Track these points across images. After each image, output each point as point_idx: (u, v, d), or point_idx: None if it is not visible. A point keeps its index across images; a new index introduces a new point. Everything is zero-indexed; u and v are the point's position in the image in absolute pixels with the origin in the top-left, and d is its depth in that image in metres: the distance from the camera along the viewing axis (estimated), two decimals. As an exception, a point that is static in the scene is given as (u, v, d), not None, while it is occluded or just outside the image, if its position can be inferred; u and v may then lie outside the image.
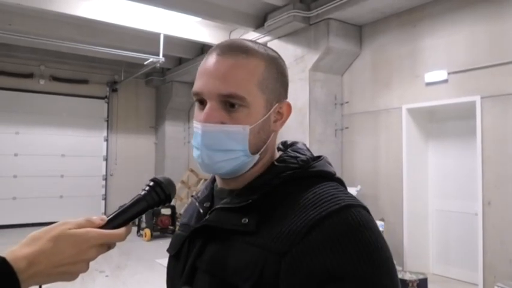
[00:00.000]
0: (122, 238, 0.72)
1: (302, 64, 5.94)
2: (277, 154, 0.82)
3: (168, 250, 0.89)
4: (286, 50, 6.06)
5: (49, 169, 9.11)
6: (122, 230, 0.72)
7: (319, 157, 0.81)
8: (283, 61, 0.82)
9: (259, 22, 6.44)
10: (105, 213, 9.45)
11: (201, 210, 0.83)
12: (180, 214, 7.23)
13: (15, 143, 8.83)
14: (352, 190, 5.42)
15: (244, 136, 0.74)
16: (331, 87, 6.12)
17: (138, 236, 7.86)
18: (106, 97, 9.95)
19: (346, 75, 6.21)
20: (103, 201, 9.78)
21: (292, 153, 0.80)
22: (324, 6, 5.53)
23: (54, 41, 7.13)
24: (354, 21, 5.80)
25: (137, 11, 6.46)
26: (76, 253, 0.66)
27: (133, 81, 10.05)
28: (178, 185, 8.27)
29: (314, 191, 0.71)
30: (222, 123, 0.73)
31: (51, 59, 8.94)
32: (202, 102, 0.76)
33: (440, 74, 4.93)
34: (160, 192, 0.77)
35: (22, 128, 8.92)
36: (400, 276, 4.45)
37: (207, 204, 0.84)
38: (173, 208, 7.96)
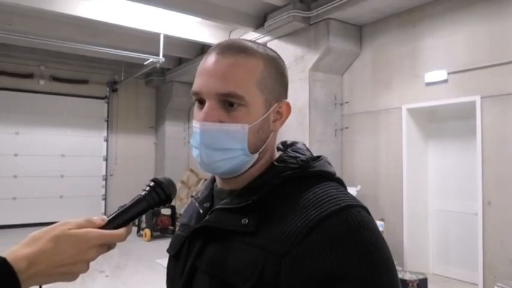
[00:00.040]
0: (122, 238, 0.72)
1: (302, 64, 5.94)
2: (277, 154, 0.82)
3: (168, 250, 0.89)
4: (286, 50, 6.06)
5: (49, 169, 9.11)
6: (122, 230, 0.72)
7: (318, 157, 0.81)
8: (283, 61, 0.82)
9: (259, 22, 6.44)
10: (105, 214, 9.45)
11: (201, 211, 0.83)
12: (180, 214, 7.23)
13: (15, 143, 8.84)
14: (352, 190, 5.42)
15: (243, 135, 0.74)
16: (331, 87, 6.12)
17: (138, 236, 7.86)
18: (106, 97, 9.95)
19: (346, 75, 6.21)
20: (103, 202, 9.79)
21: (292, 153, 0.80)
22: (324, 6, 5.53)
23: (54, 41, 7.13)
24: (354, 21, 5.80)
25: (137, 11, 6.47)
26: (76, 253, 0.66)
27: (133, 81, 10.05)
28: (178, 185, 8.26)
29: (314, 191, 0.71)
30: (221, 122, 0.73)
31: (51, 59, 8.94)
32: (202, 102, 0.76)
33: (440, 74, 4.93)
34: (161, 192, 0.77)
35: (22, 128, 8.92)
36: (400, 276, 4.45)
37: (206, 205, 0.84)
38: (173, 208, 7.96)
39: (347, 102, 6.15)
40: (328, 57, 5.82)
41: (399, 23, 5.47)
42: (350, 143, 6.09)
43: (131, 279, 5.35)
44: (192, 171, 9.13)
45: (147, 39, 7.60)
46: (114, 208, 8.96)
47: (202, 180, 8.60)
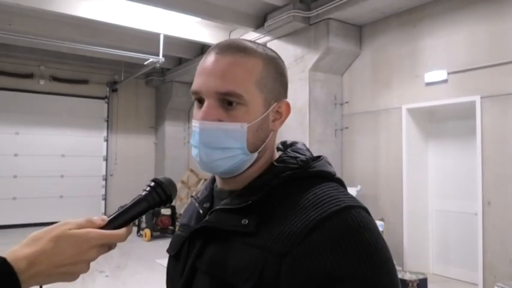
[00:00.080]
0: (123, 238, 0.72)
1: (302, 64, 5.94)
2: (277, 154, 0.82)
3: (167, 250, 0.89)
4: (286, 50, 6.06)
5: (49, 169, 9.11)
6: (122, 230, 0.72)
7: (318, 157, 0.81)
8: (283, 61, 0.82)
9: (259, 22, 6.44)
10: (105, 214, 9.45)
11: (201, 211, 0.83)
12: (180, 214, 7.23)
13: (15, 143, 8.84)
14: (352, 190, 5.42)
15: (242, 134, 0.74)
16: (331, 87, 6.12)
17: (138, 236, 7.86)
18: (106, 97, 9.95)
19: (346, 75, 6.21)
20: (103, 202, 9.79)
21: (292, 154, 0.80)
22: (324, 6, 5.53)
23: (54, 41, 7.13)
24: (354, 21, 5.80)
25: (137, 11, 6.47)
26: (77, 253, 0.66)
27: (133, 81, 10.05)
28: (178, 185, 8.26)
29: (314, 191, 0.71)
30: (220, 121, 0.73)
31: (51, 59, 8.94)
32: (201, 101, 0.76)
33: (440, 74, 4.93)
34: (161, 192, 0.77)
35: (22, 128, 8.92)
36: (400, 276, 4.45)
37: (206, 205, 0.84)
38: (173, 208, 7.97)
39: (347, 102, 6.15)
40: (328, 57, 5.82)
41: (399, 23, 5.47)
42: (350, 143, 6.09)
43: (131, 279, 5.35)
44: (192, 171, 9.13)
45: (147, 39, 7.60)
46: (114, 208, 8.96)
47: (202, 180, 8.60)
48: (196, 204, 0.86)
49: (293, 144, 0.86)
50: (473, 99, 4.60)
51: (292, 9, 5.70)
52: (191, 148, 0.78)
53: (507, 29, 4.36)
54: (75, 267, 0.67)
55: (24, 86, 8.95)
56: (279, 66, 0.80)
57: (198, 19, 6.60)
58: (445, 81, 4.90)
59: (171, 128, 10.09)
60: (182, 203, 8.87)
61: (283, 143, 0.88)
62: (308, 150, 0.83)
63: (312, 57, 5.81)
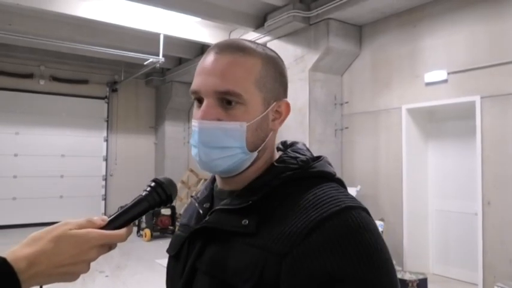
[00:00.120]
0: (123, 239, 0.72)
1: (302, 64, 5.94)
2: (277, 154, 0.82)
3: (167, 250, 0.89)
4: (286, 50, 6.06)
5: (49, 169, 9.12)
6: (123, 230, 0.72)
7: (319, 157, 0.81)
8: (282, 61, 0.82)
9: (259, 22, 6.44)
10: (105, 214, 9.45)
11: (201, 211, 0.83)
12: (180, 214, 7.23)
13: (15, 143, 8.84)
14: (352, 190, 5.42)
15: (242, 133, 0.74)
16: (331, 87, 6.12)
17: (138, 236, 7.86)
18: (106, 97, 9.95)
19: (346, 75, 6.21)
20: (103, 202, 9.79)
21: (292, 154, 0.79)
22: (324, 6, 5.53)
23: (54, 41, 7.13)
24: (354, 21, 5.81)
25: (137, 11, 6.47)
26: (77, 253, 0.66)
27: (133, 82, 10.05)
28: (178, 185, 8.26)
29: (314, 192, 0.71)
30: (219, 120, 0.73)
31: (51, 59, 8.94)
32: (200, 101, 0.76)
33: (440, 74, 4.93)
34: (162, 192, 0.77)
35: (22, 128, 8.92)
36: (400, 276, 4.45)
37: (206, 205, 0.84)
38: (173, 208, 7.97)
39: (347, 102, 6.15)
40: (328, 57, 5.82)
41: (399, 23, 5.47)
42: (350, 143, 6.09)
43: (131, 279, 5.35)
44: (192, 171, 9.13)
45: (146, 39, 7.60)
46: (114, 208, 8.96)
47: (202, 180, 8.60)
48: (196, 204, 0.86)
49: (293, 144, 0.86)
50: (473, 99, 4.60)
51: (292, 9, 5.70)
52: (191, 148, 0.78)
53: (507, 29, 4.36)
54: (76, 268, 0.67)
55: (24, 86, 8.95)
56: (279, 66, 0.80)
57: (198, 19, 6.60)
58: (445, 81, 4.90)
59: (171, 128, 10.09)
60: (182, 203, 8.87)
61: (283, 143, 0.87)
62: (308, 150, 0.83)
63: (312, 57, 5.81)
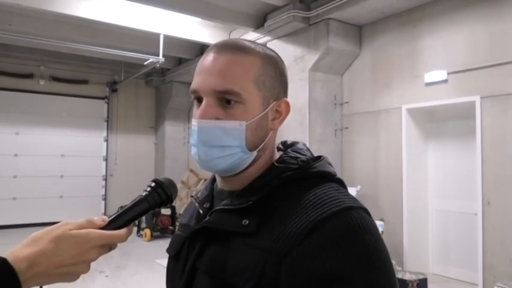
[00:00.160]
0: (123, 239, 0.72)
1: (302, 64, 5.94)
2: (277, 154, 0.82)
3: (167, 250, 0.89)
4: (286, 50, 6.06)
5: (49, 169, 9.11)
6: (123, 231, 0.72)
7: (319, 157, 0.81)
8: (282, 61, 0.82)
9: (259, 22, 6.44)
10: (105, 214, 9.45)
11: (201, 211, 0.83)
12: (180, 214, 7.23)
13: (15, 143, 8.84)
14: (352, 190, 5.42)
15: (241, 132, 0.74)
16: (331, 87, 6.12)
17: (138, 236, 7.86)
18: (106, 97, 9.95)
19: (346, 75, 6.21)
20: (103, 202, 9.79)
21: (292, 154, 0.79)
22: (324, 6, 5.53)
23: (53, 41, 7.13)
24: (354, 21, 5.81)
25: (137, 11, 6.47)
26: (77, 254, 0.66)
27: (133, 82, 10.05)
28: (178, 185, 8.25)
29: (314, 192, 0.71)
30: (218, 119, 0.73)
31: (51, 59, 8.94)
32: (200, 100, 0.76)
33: (440, 74, 4.93)
34: (162, 193, 0.77)
35: (22, 128, 8.92)
36: (399, 276, 4.45)
37: (206, 205, 0.84)
38: (173, 208, 7.97)
39: (347, 103, 6.15)
40: (328, 57, 5.82)
41: (399, 23, 5.47)
42: (350, 143, 6.09)
43: (131, 279, 5.35)
44: (192, 171, 9.13)
45: (146, 39, 7.60)
46: (114, 208, 8.96)
47: (202, 181, 8.60)
48: (197, 204, 0.85)
49: (293, 144, 0.86)
50: (473, 99, 4.60)
51: (292, 9, 5.70)
52: (191, 147, 0.78)
53: (507, 29, 4.36)
54: (76, 268, 0.67)
55: (24, 86, 8.95)
56: (278, 66, 0.80)
57: (198, 19, 6.60)
58: (445, 81, 4.90)
59: (171, 128, 10.09)
60: (182, 203, 8.87)
61: (284, 143, 0.87)
62: (308, 150, 0.83)
63: (312, 57, 5.81)
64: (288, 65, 5.79)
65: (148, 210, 0.76)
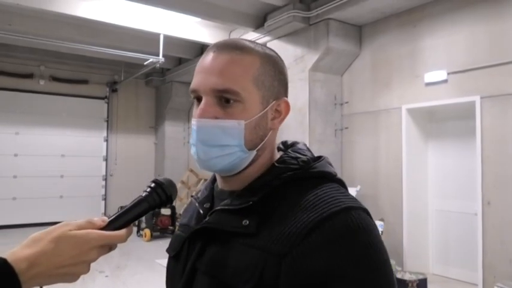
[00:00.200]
0: (123, 239, 0.72)
1: (302, 64, 5.94)
2: (278, 155, 0.82)
3: (167, 250, 0.89)
4: (286, 50, 6.06)
5: (49, 169, 9.11)
6: (123, 231, 0.72)
7: (319, 157, 0.81)
8: (282, 61, 0.82)
9: (259, 22, 6.44)
10: (105, 214, 9.46)
11: (201, 211, 0.83)
12: (180, 214, 7.23)
13: (15, 143, 8.84)
14: (352, 190, 5.42)
15: (240, 131, 0.74)
16: (331, 87, 6.12)
17: (138, 236, 7.86)
18: (106, 97, 9.95)
19: (345, 75, 6.21)
20: (103, 202, 9.79)
21: (293, 154, 0.79)
22: (324, 6, 5.53)
23: (53, 41, 7.13)
24: (354, 21, 5.80)
25: (137, 11, 6.47)
26: (77, 254, 0.66)
27: (133, 82, 10.05)
28: (178, 185, 8.25)
29: (315, 192, 0.71)
30: (217, 118, 0.73)
31: (51, 59, 8.94)
32: (200, 100, 0.76)
33: (440, 74, 4.93)
34: (162, 193, 0.77)
35: (22, 128, 8.92)
36: (399, 276, 4.46)
37: (207, 205, 0.84)
38: (173, 208, 7.97)
39: (347, 103, 6.15)
40: (328, 57, 5.82)
41: (399, 23, 5.47)
42: (350, 143, 6.09)
43: (131, 279, 5.35)
44: (191, 171, 9.13)
45: (146, 39, 7.60)
46: (114, 208, 8.97)
47: (202, 181, 8.60)
48: (197, 204, 0.85)
49: (294, 144, 0.86)
50: (473, 99, 4.60)
51: (292, 9, 5.70)
52: (191, 147, 0.78)
53: (507, 29, 4.36)
54: (76, 268, 0.67)
55: (24, 86, 8.95)
56: (278, 65, 0.80)
57: (198, 19, 6.60)
58: (445, 81, 4.90)
59: (171, 128, 10.09)
60: (182, 203, 8.87)
61: (284, 143, 0.87)
62: (309, 150, 0.83)
63: (312, 58, 5.81)
64: (288, 65, 5.79)
65: (148, 210, 0.76)
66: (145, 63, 7.95)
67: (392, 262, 4.58)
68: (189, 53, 8.45)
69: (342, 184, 0.77)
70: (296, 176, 0.75)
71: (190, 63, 8.63)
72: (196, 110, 0.76)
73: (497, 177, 4.40)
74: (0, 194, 8.61)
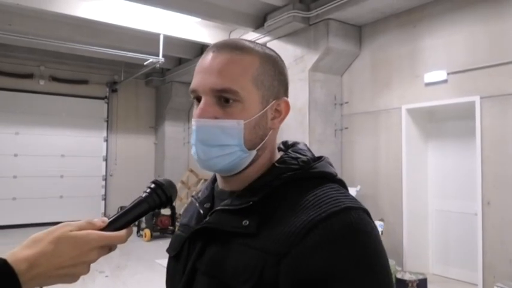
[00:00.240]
0: (123, 240, 0.72)
1: (302, 64, 5.94)
2: (278, 155, 0.82)
3: (167, 250, 0.89)
4: (286, 51, 6.06)
5: (49, 169, 9.11)
6: (123, 232, 0.72)
7: (320, 158, 0.81)
8: (282, 61, 0.82)
9: (259, 22, 6.44)
10: (104, 214, 9.46)
11: (201, 211, 0.83)
12: (180, 214, 7.23)
13: (15, 143, 8.83)
14: (352, 190, 5.42)
15: (239, 131, 0.74)
16: (330, 87, 6.12)
17: (138, 236, 7.86)
18: (106, 97, 9.95)
19: (345, 75, 6.21)
20: (103, 202, 9.78)
21: (293, 154, 0.79)
22: (324, 6, 5.53)
23: (53, 42, 7.13)
24: (354, 21, 5.81)
25: (137, 11, 6.46)
26: (77, 255, 0.66)
27: (133, 82, 10.05)
28: (178, 185, 8.24)
29: (315, 192, 0.71)
30: (216, 118, 0.73)
31: (51, 59, 8.94)
32: (199, 100, 0.76)
33: (440, 74, 4.93)
34: (162, 194, 0.77)
35: (22, 129, 8.92)
36: (399, 276, 4.46)
37: (207, 205, 0.84)
38: (173, 208, 7.97)
39: (347, 103, 6.15)
40: (328, 57, 5.82)
41: (399, 23, 5.47)
42: (350, 143, 6.09)
43: (131, 279, 5.35)
44: (191, 171, 9.13)
45: (146, 40, 7.60)
46: (114, 208, 8.97)
47: (202, 181, 8.60)
48: (197, 204, 0.85)
49: (294, 144, 0.86)
50: (472, 99, 4.60)
51: (292, 9, 5.70)
52: (191, 147, 0.78)
53: (507, 29, 4.36)
54: (76, 269, 0.67)
55: (23, 86, 8.94)
56: (277, 65, 0.80)
57: (198, 19, 6.60)
58: (445, 81, 4.90)
59: (171, 128, 10.09)
60: (182, 203, 8.87)
61: (284, 143, 0.87)
62: (309, 150, 0.83)
63: (312, 58, 5.81)
64: (288, 65, 5.79)
65: (148, 211, 0.76)
66: (145, 63, 7.95)
67: (392, 262, 4.58)
68: (189, 53, 8.45)
69: (342, 184, 0.77)
70: (296, 176, 0.75)
71: (190, 63, 8.63)
72: (196, 110, 0.76)
73: (497, 177, 4.40)
74: (0, 194, 8.61)
